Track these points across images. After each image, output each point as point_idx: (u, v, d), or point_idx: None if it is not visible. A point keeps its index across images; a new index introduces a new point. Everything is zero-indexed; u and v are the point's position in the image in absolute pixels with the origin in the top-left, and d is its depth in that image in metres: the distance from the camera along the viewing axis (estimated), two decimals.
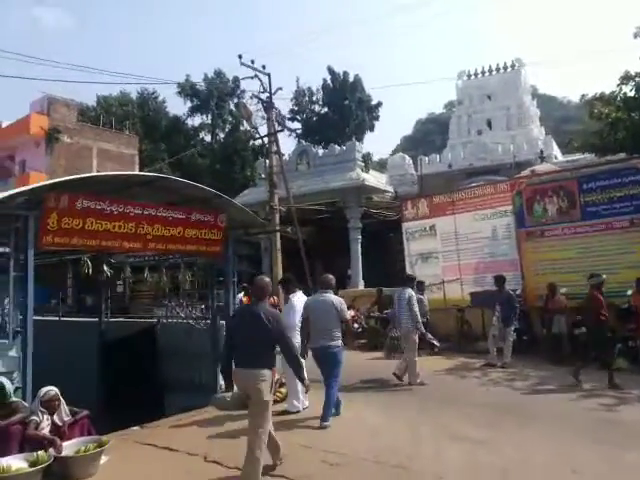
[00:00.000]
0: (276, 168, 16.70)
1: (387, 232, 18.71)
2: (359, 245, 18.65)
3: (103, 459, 5.40)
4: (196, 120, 42.56)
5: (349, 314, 15.94)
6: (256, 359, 4.75)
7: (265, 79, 16.06)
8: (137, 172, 6.85)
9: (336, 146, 18.97)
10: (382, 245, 18.81)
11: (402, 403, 7.48)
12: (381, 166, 31.84)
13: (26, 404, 5.55)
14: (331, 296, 6.80)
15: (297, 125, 38.65)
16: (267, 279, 5.23)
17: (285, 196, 16.91)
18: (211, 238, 7.67)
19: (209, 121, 41.40)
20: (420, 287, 12.21)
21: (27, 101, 33.69)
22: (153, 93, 43.18)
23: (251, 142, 33.89)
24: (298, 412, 6.95)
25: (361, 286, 18.77)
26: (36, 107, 32.85)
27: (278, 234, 16.13)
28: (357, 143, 18.76)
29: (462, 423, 6.31)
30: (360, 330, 14.88)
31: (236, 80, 38.36)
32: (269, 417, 4.89)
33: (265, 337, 4.74)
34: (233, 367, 4.91)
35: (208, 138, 42.83)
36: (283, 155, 18.00)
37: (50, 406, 5.47)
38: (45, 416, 5.43)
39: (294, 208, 16.92)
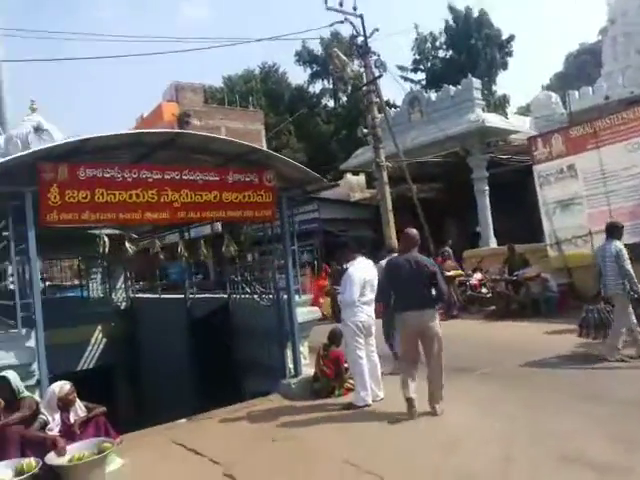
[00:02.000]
0: (381, 121, 14.97)
1: (521, 180, 16.04)
2: (486, 198, 16.18)
3: (117, 463, 4.64)
4: (317, 87, 41.72)
5: (476, 277, 14.09)
6: (424, 301, 5.19)
7: (358, 22, 14.32)
8: (149, 130, 5.74)
9: (450, 87, 16.51)
10: (516, 196, 16.16)
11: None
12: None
13: (39, 399, 4.95)
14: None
15: (422, 76, 35.79)
16: (414, 231, 5.59)
17: (395, 151, 15.14)
18: (258, 201, 6.46)
19: (330, 86, 40.25)
20: None
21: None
22: (274, 65, 43.16)
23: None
24: (367, 406, 5.56)
25: (493, 244, 16.37)
26: (166, 96, 34.62)
27: (387, 192, 14.52)
28: (474, 80, 16.05)
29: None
30: (489, 295, 12.86)
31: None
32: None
33: (426, 280, 5.18)
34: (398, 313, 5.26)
35: (331, 104, 41.80)
36: (393, 107, 16.16)
37: (66, 402, 4.79)
38: (56, 414, 4.76)
39: (405, 164, 15.07)
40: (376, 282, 5.83)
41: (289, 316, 6.77)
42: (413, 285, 5.15)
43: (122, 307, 12.68)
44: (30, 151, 4.79)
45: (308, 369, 6.76)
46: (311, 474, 4.02)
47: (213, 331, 8.51)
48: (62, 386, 4.83)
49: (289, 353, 6.86)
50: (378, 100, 14.63)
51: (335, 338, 6.35)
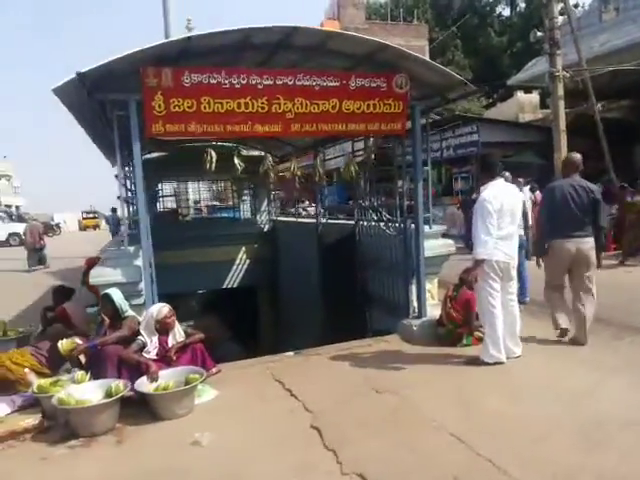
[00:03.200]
0: (562, 20, 12.42)
1: None
2: None
3: (211, 394, 4.37)
4: None
5: None
6: (585, 227, 4.99)
7: None
8: (259, 25, 4.92)
9: None
10: None
11: None
12: None
13: (141, 319, 4.84)
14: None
15: None
16: (578, 155, 5.25)
17: (577, 60, 12.59)
18: (386, 112, 5.47)
19: None
20: None
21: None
22: None
23: None
24: (498, 364, 4.57)
25: None
26: (328, 13, 33.55)
27: (561, 109, 12.24)
28: None
29: None
30: None
31: None
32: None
33: (588, 206, 4.95)
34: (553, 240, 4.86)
35: (507, 12, 37.09)
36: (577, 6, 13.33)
37: (164, 325, 4.62)
38: (154, 337, 4.61)
39: (589, 75, 12.48)
40: (519, 211, 4.68)
41: (415, 248, 5.85)
42: (574, 210, 4.95)
43: (265, 229, 12.77)
44: (131, 51, 4.37)
45: (435, 310, 5.87)
46: (406, 445, 3.26)
47: (341, 259, 7.95)
48: (160, 309, 4.63)
49: (414, 290, 6.02)
50: None
51: (465, 278, 5.33)
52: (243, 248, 12.61)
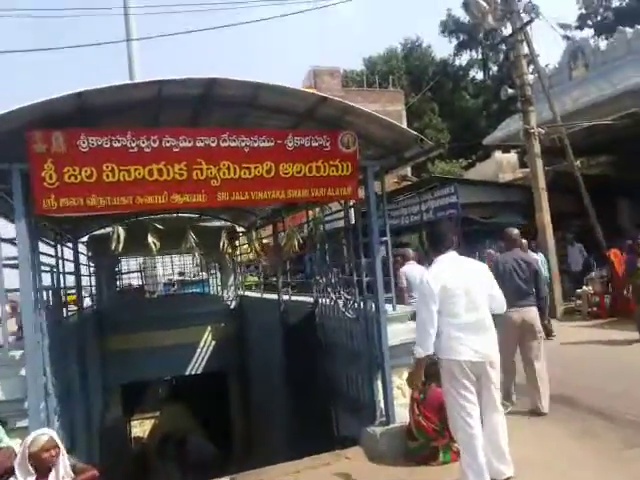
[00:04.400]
0: (533, 78, 12.08)
1: None
2: None
3: None
4: (464, 59, 38.05)
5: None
6: (529, 297, 5.34)
7: None
8: (174, 78, 4.23)
9: (627, 29, 12.85)
10: None
11: None
12: None
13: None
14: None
15: (589, 32, 30.32)
16: (516, 230, 5.70)
17: (552, 118, 12.16)
18: (332, 174, 4.64)
19: (479, 56, 36.46)
20: None
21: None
22: (417, 40, 40.35)
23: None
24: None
25: None
26: (305, 82, 34.06)
27: (539, 167, 11.66)
28: None
29: None
30: None
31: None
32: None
33: (530, 277, 5.37)
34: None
35: (480, 76, 37.93)
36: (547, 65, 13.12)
37: (41, 460, 3.46)
38: (31, 478, 3.48)
39: (565, 132, 12.02)
40: (482, 292, 3.63)
41: (377, 335, 4.86)
42: (517, 282, 5.30)
43: (232, 306, 11.74)
44: (9, 110, 3.55)
45: (407, 411, 4.80)
46: None
47: (304, 343, 6.90)
48: (36, 438, 3.44)
49: (379, 387, 4.97)
50: (528, 52, 11.76)
51: (434, 372, 4.31)
52: (209, 328, 11.51)
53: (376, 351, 5.01)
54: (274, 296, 8.69)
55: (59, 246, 6.96)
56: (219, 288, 12.25)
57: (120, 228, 4.55)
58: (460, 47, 36.78)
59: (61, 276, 6.88)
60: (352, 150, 4.67)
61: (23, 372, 4.01)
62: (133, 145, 4.08)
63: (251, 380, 10.76)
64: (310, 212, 6.42)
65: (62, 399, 5.11)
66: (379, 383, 5.04)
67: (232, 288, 11.93)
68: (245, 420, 11.45)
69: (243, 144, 4.35)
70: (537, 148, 11.58)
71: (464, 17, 35.25)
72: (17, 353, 4.09)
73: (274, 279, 12.69)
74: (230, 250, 8.29)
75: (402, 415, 4.81)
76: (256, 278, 14.25)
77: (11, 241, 3.95)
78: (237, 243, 11.20)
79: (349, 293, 5.50)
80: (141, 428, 15.66)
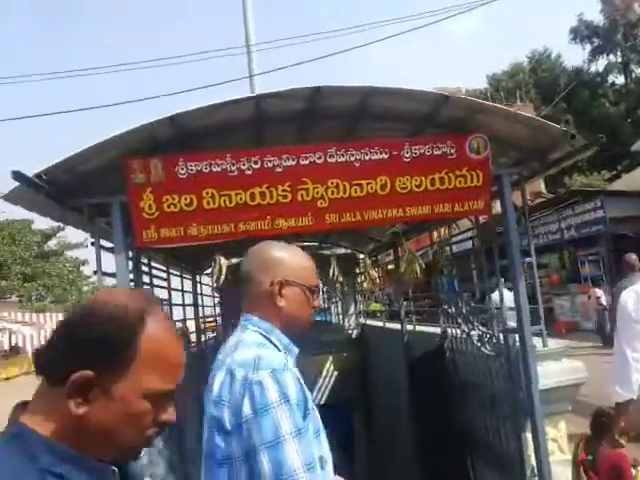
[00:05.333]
0: None
1: None
2: None
3: None
4: (600, 64, 34.78)
5: None
6: None
7: None
8: (275, 91, 3.76)
9: None
10: None
11: None
12: None
13: None
14: None
15: None
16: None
17: None
18: (459, 186, 3.92)
19: (618, 59, 33.10)
20: None
21: None
22: (545, 51, 37.77)
23: None
24: None
25: None
26: None
27: None
28: None
29: None
30: None
31: None
32: None
33: None
34: None
35: (620, 80, 34.36)
36: None
37: None
38: None
39: None
40: None
41: (525, 377, 3.97)
42: None
43: (353, 335, 11.18)
44: (113, 136, 3.38)
45: (567, 470, 3.84)
46: None
47: (431, 380, 6.09)
48: None
49: (528, 439, 4.05)
50: None
51: (604, 426, 3.35)
52: (331, 358, 11.04)
53: (523, 395, 4.13)
54: (397, 326, 7.98)
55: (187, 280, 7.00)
56: (340, 317, 11.79)
57: (222, 259, 4.23)
58: (595, 52, 33.77)
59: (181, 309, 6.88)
60: (483, 156, 3.91)
61: None
62: (233, 168, 3.73)
63: (373, 415, 10.05)
64: (435, 233, 5.74)
65: None
66: (528, 434, 4.14)
67: (353, 317, 11.40)
68: (368, 456, 10.70)
69: (353, 158, 3.81)
70: None
71: (598, 20, 32.49)
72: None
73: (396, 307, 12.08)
74: (341, 278, 7.77)
75: (559, 473, 3.87)
76: (379, 305, 13.63)
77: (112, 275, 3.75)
78: (357, 271, 10.73)
79: (485, 325, 4.66)
80: None
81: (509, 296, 8.26)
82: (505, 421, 4.42)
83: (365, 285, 10.65)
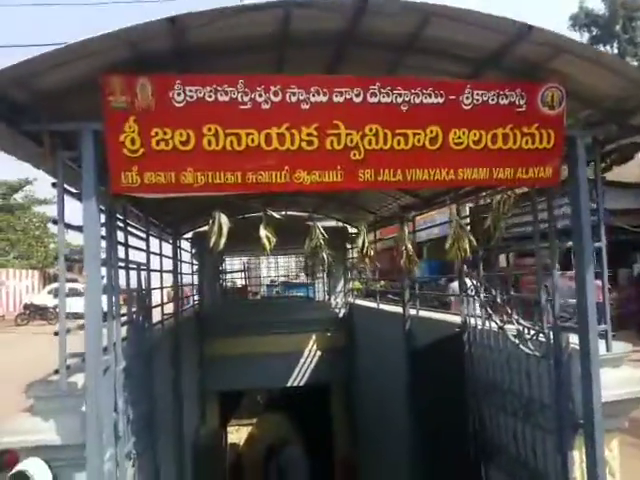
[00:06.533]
0: None
1: None
2: None
3: None
4: None
5: None
6: None
7: None
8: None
9: None
10: None
11: None
12: None
13: None
14: None
15: None
16: None
17: None
18: (525, 147, 3.14)
19: (615, 50, 32.59)
20: None
21: None
22: None
23: None
24: None
25: None
26: None
27: None
28: None
29: None
30: None
31: None
32: None
33: None
34: None
35: None
36: None
37: None
38: None
39: None
40: None
41: (584, 386, 3.27)
42: None
43: (340, 315, 10.44)
44: (76, 42, 2.45)
45: None
46: None
47: (442, 375, 5.40)
48: None
49: (575, 458, 3.39)
50: None
51: None
52: (314, 337, 10.33)
53: (571, 406, 3.45)
54: (397, 309, 7.25)
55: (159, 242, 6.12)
56: (327, 294, 11.02)
57: (223, 216, 3.39)
58: (593, 42, 33.13)
59: (158, 275, 6.03)
60: (557, 112, 3.12)
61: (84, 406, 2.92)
62: (246, 99, 2.86)
63: (360, 399, 9.40)
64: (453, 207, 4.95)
65: (145, 429, 4.07)
66: (575, 453, 3.48)
67: (341, 295, 10.65)
68: (349, 441, 10.13)
69: (400, 100, 2.97)
70: None
71: (598, 9, 31.84)
72: (78, 377, 3.01)
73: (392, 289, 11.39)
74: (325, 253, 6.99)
75: None
76: (358, 284, 12.84)
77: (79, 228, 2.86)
78: (350, 246, 9.98)
79: (527, 319, 3.92)
80: (237, 435, 15.00)
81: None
82: (542, 434, 3.74)
83: (356, 262, 9.90)
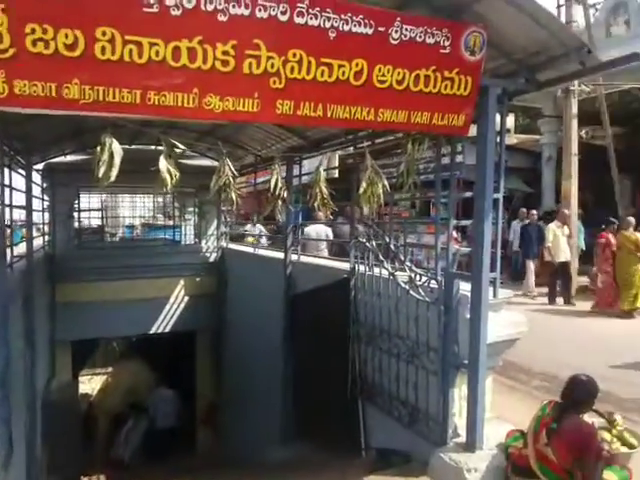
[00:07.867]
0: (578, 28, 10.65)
1: None
2: None
3: None
4: None
5: None
6: None
7: None
8: None
9: None
10: None
11: None
12: None
13: None
14: None
15: None
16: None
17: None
18: (443, 93, 3.06)
19: None
20: None
21: None
22: None
23: None
24: None
25: None
26: None
27: (574, 130, 10.37)
28: None
29: None
30: None
31: None
32: None
33: None
34: None
35: None
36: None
37: None
38: None
39: (602, 93, 10.68)
40: None
41: (472, 330, 3.44)
42: None
43: (211, 259, 10.07)
44: None
45: (494, 433, 3.52)
46: None
47: (323, 321, 5.43)
48: None
49: (455, 397, 3.64)
50: None
51: (581, 393, 3.02)
52: (182, 282, 9.88)
53: (456, 348, 3.65)
54: (277, 254, 7.12)
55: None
56: (197, 237, 10.52)
57: (115, 142, 2.83)
58: None
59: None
60: (477, 58, 3.08)
61: None
62: (152, 1, 2.37)
63: (230, 345, 9.29)
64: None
65: None
66: (456, 391, 3.71)
67: (213, 238, 10.23)
68: (214, 386, 10.06)
69: (328, 25, 2.68)
70: (575, 108, 10.23)
71: None
72: None
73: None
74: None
75: (485, 437, 3.51)
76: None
77: None
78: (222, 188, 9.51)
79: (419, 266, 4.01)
80: (90, 385, 14.15)
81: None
82: (426, 375, 3.91)
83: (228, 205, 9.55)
